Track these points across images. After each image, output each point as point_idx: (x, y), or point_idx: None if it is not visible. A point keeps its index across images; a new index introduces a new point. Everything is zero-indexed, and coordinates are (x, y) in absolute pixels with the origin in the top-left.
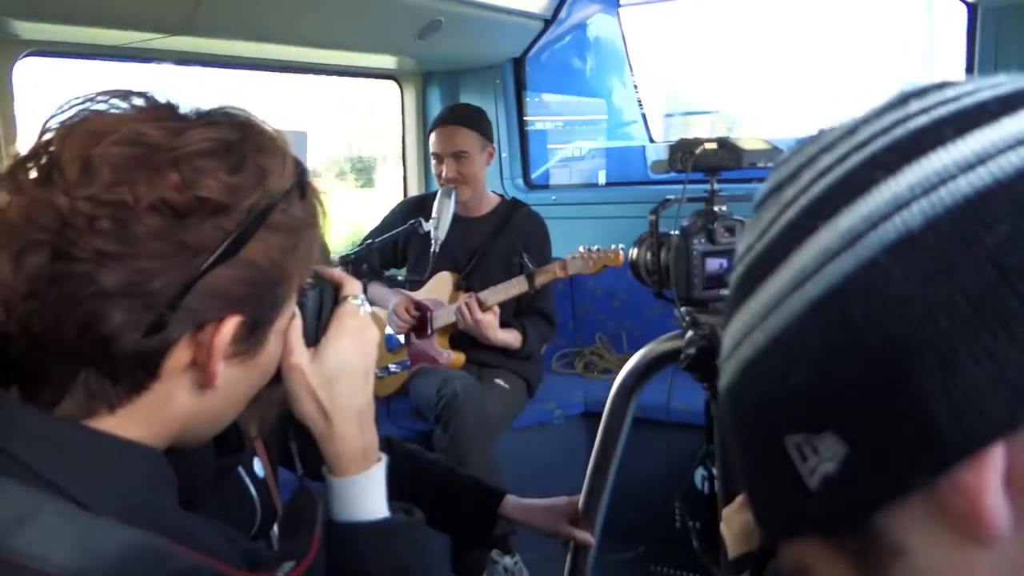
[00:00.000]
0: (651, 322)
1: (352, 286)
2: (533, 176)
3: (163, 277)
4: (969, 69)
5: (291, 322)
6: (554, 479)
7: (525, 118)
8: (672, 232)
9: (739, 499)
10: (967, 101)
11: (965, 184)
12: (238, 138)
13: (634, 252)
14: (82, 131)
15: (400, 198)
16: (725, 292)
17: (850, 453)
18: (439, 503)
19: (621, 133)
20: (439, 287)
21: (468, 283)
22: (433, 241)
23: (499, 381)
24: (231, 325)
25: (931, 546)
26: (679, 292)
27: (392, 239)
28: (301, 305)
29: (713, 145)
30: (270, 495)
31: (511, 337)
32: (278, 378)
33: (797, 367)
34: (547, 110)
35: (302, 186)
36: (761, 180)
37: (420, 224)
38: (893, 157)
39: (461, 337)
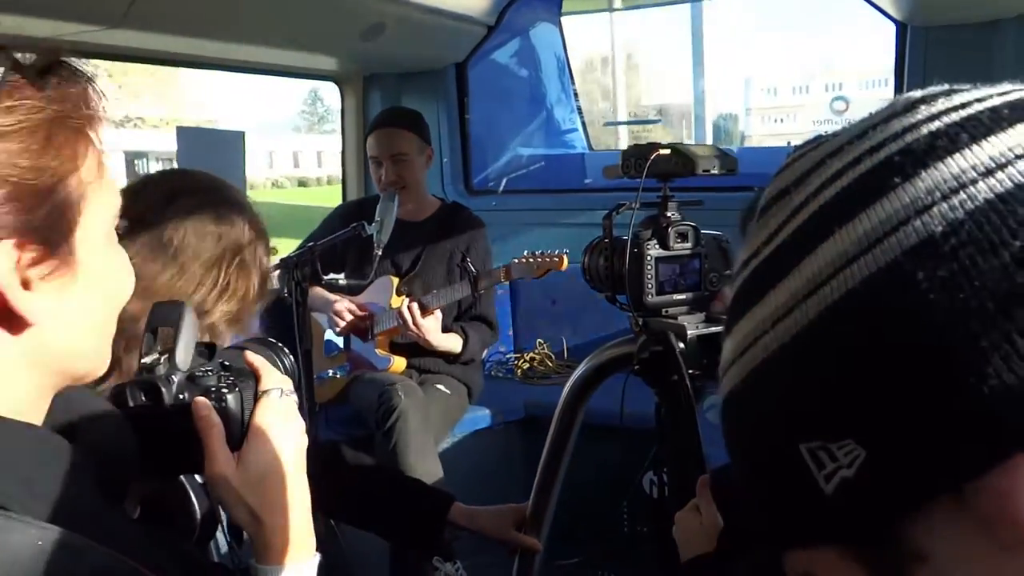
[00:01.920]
0: (592, 327)
1: (271, 378)
2: (474, 181)
3: None
4: (898, 86)
5: (210, 428)
6: (493, 485)
7: (467, 123)
8: (624, 237)
9: (692, 502)
10: (979, 107)
11: (985, 188)
12: None
13: (585, 258)
14: None
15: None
16: (678, 297)
17: (871, 458)
18: (386, 509)
19: (561, 140)
20: (380, 291)
21: (409, 287)
22: (376, 245)
23: (440, 387)
24: (6, 251)
25: (957, 552)
26: (632, 297)
27: (332, 243)
28: (222, 411)
29: (667, 152)
30: (211, 500)
31: (452, 342)
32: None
33: (814, 373)
34: (488, 116)
35: (35, 74)
36: (711, 188)
37: (363, 227)
38: (909, 161)
39: (402, 342)
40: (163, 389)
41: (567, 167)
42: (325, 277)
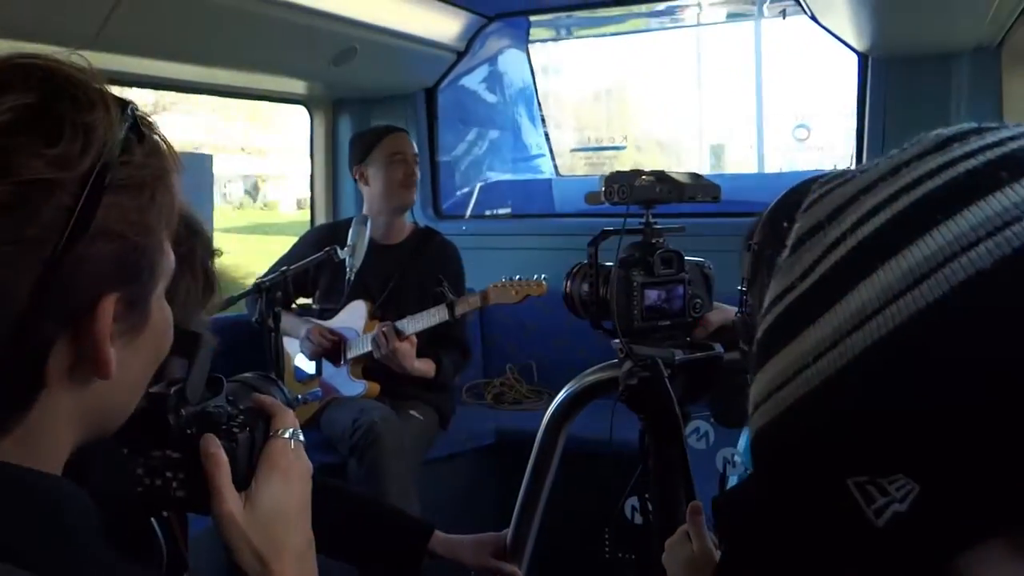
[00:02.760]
0: (562, 353)
1: (283, 419)
2: (444, 206)
3: (15, 284)
4: (860, 115)
5: (218, 466)
6: (464, 511)
7: (436, 148)
8: (607, 264)
9: (682, 529)
10: (1013, 146)
11: None
12: (41, 98)
13: (567, 284)
14: None
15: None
16: (663, 323)
17: (926, 493)
18: (365, 539)
19: (528, 166)
20: (353, 316)
21: (383, 312)
22: (348, 269)
23: (413, 412)
24: (108, 306)
25: None
26: (619, 324)
27: (304, 267)
28: (231, 450)
29: (651, 178)
30: (174, 536)
31: (426, 367)
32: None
33: (862, 408)
34: (457, 141)
35: (138, 129)
36: (693, 215)
37: (336, 252)
38: (950, 199)
39: (375, 367)
40: (171, 422)
41: (535, 192)
42: (298, 301)
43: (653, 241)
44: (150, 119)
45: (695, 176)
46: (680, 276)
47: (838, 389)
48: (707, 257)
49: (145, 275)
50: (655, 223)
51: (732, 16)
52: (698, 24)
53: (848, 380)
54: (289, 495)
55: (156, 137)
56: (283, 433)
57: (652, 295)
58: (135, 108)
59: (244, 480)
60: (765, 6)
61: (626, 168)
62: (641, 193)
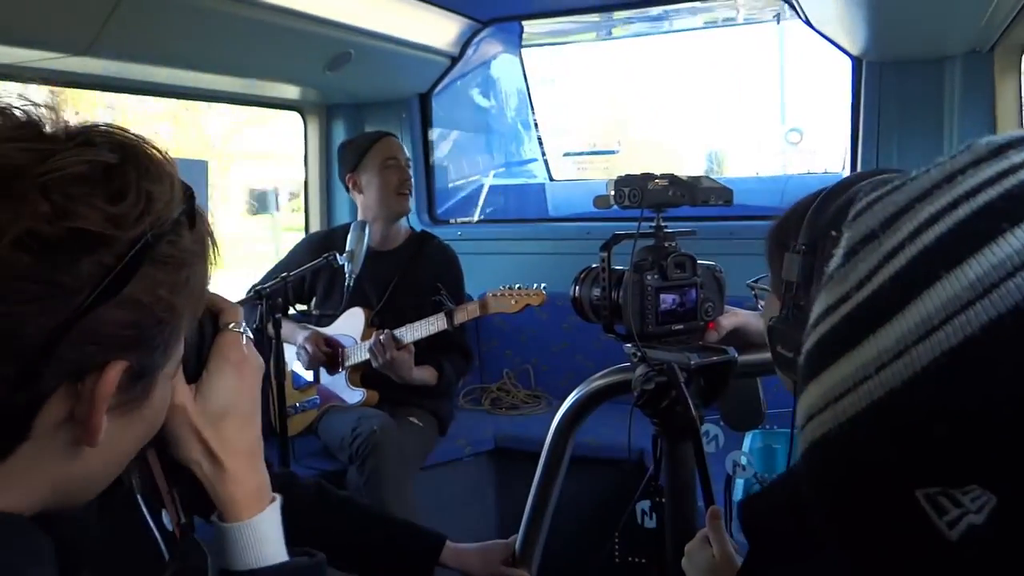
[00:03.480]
0: (559, 357)
1: (232, 312)
2: (438, 212)
3: (33, 323)
4: (854, 118)
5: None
6: (464, 517)
7: (431, 153)
8: (616, 267)
9: (701, 533)
10: None
11: None
12: (118, 160)
13: (576, 288)
14: None
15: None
16: (676, 327)
17: (1004, 504)
18: (377, 551)
19: (522, 171)
20: (351, 323)
21: (381, 319)
22: (348, 275)
23: (412, 419)
24: (115, 373)
25: None
26: (633, 328)
27: (302, 274)
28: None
29: (664, 182)
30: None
31: (427, 375)
32: None
33: (932, 419)
34: (450, 146)
35: (191, 215)
36: (699, 218)
37: (335, 258)
38: (1013, 207)
39: (374, 375)
40: None
41: (529, 197)
42: (297, 308)
43: (666, 245)
44: (204, 212)
45: (707, 179)
46: (693, 280)
47: (905, 400)
48: (713, 260)
49: (158, 352)
50: (666, 227)
51: (710, 23)
52: (687, 29)
53: (916, 391)
54: (242, 390)
55: (205, 229)
56: (234, 327)
57: (667, 299)
58: (194, 195)
59: (194, 373)
60: (742, 11)
61: (617, 172)
62: (653, 197)
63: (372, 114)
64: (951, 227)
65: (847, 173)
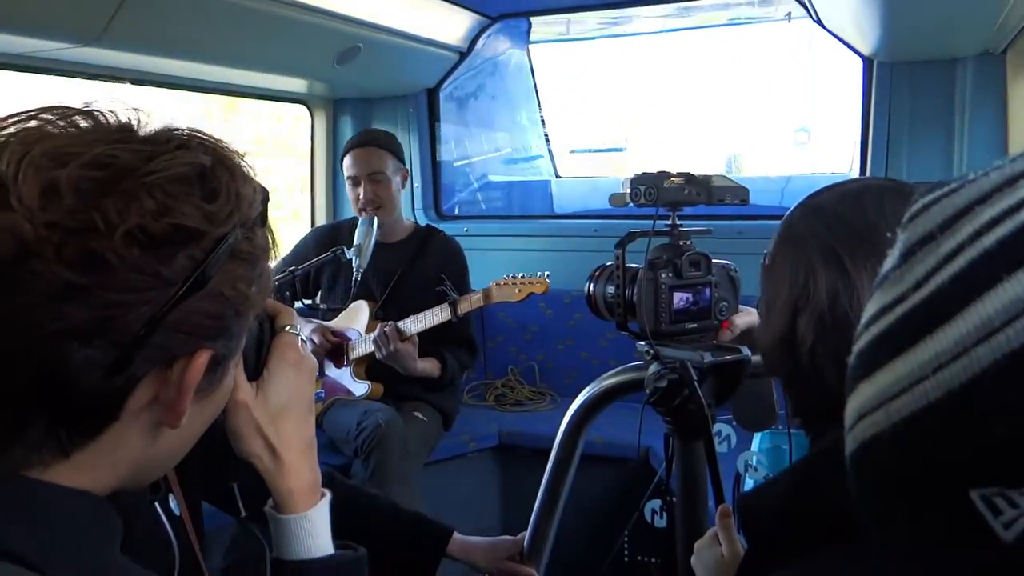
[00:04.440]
0: (564, 355)
1: (288, 316)
2: (444, 207)
3: (134, 311)
4: (864, 119)
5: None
6: (468, 513)
7: (437, 149)
8: (631, 265)
9: (711, 532)
10: None
11: None
12: (211, 163)
13: (590, 286)
14: (41, 153)
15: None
16: (690, 326)
17: None
18: (384, 542)
19: (528, 167)
20: (355, 316)
21: (385, 312)
22: (355, 270)
23: (418, 414)
24: (203, 360)
25: None
26: (647, 326)
27: (308, 268)
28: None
29: (680, 180)
30: (187, 534)
31: (430, 366)
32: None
33: (991, 421)
34: (457, 142)
35: (265, 214)
36: (713, 216)
37: (343, 252)
38: None
39: (378, 367)
40: None
41: (534, 193)
42: (305, 302)
43: (680, 243)
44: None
45: (723, 178)
46: (707, 279)
47: (963, 401)
48: (727, 259)
49: (234, 341)
50: (681, 225)
51: (719, 22)
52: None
53: (975, 393)
54: (299, 388)
55: (269, 229)
56: (290, 329)
57: (680, 298)
58: (268, 196)
59: (255, 370)
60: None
61: (626, 170)
62: (669, 195)
63: (379, 109)
64: (1012, 230)
65: (855, 173)
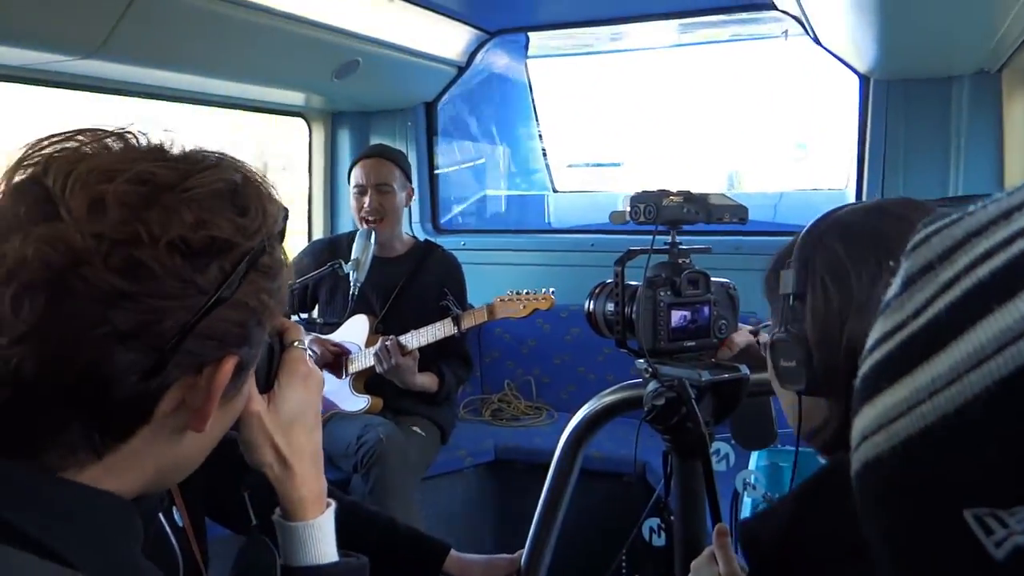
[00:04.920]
0: (561, 370)
1: (296, 331)
2: (441, 221)
3: (172, 317)
4: (861, 135)
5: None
6: (463, 528)
7: (435, 163)
8: (630, 283)
9: (708, 551)
10: None
11: None
12: (242, 180)
13: (590, 303)
14: (87, 169)
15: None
16: (689, 344)
17: None
18: (381, 557)
19: (526, 181)
20: (355, 330)
21: (386, 326)
22: (353, 284)
23: (416, 429)
24: (230, 366)
25: None
26: (645, 343)
27: (306, 282)
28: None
29: (679, 198)
30: (190, 545)
31: (429, 381)
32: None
33: (981, 443)
34: (454, 156)
35: (283, 231)
36: (712, 233)
37: (340, 266)
38: None
39: (377, 381)
40: None
41: (531, 207)
42: (302, 316)
43: (679, 261)
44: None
45: (722, 196)
46: (706, 297)
47: (957, 425)
48: (726, 277)
49: (255, 349)
50: (680, 243)
51: (717, 39)
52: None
53: (966, 417)
54: (308, 401)
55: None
56: (298, 344)
57: (678, 316)
58: (288, 214)
59: (265, 383)
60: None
61: (623, 186)
62: (669, 213)
63: (378, 122)
64: (1006, 262)
65: (851, 190)
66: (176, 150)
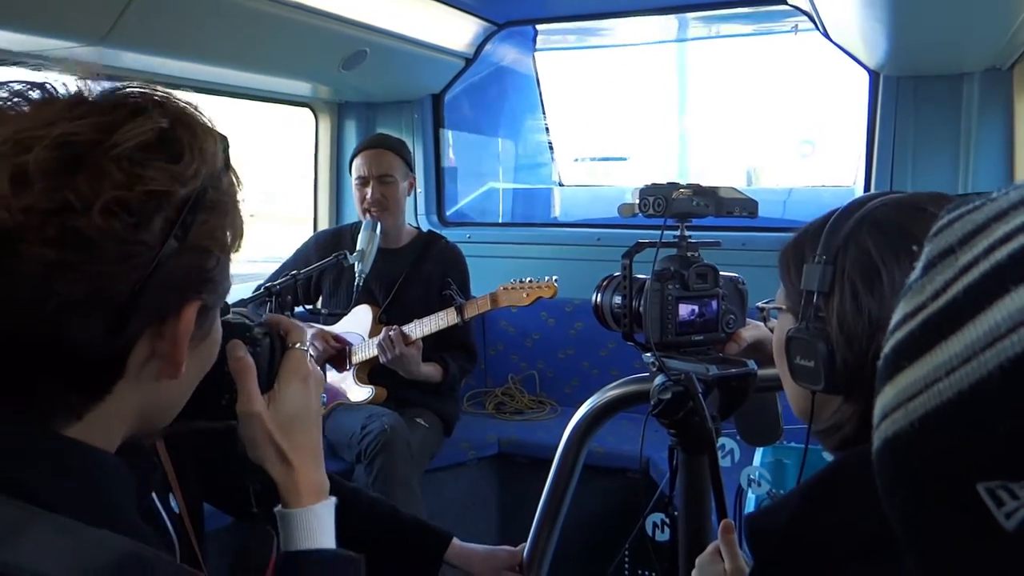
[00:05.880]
0: (564, 364)
1: (298, 333)
2: (447, 213)
3: (121, 278)
4: (870, 132)
5: (247, 369)
6: (465, 521)
7: (441, 154)
8: (638, 276)
9: (713, 546)
10: None
11: None
12: (170, 124)
13: (597, 296)
14: (2, 139)
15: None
16: (696, 338)
17: None
18: (383, 544)
19: (532, 175)
20: (358, 321)
21: (388, 316)
22: (358, 274)
23: (420, 420)
24: (191, 311)
25: None
26: (652, 337)
27: (310, 273)
28: (255, 354)
29: (688, 191)
30: (186, 532)
31: (433, 371)
32: (233, 418)
33: (994, 418)
34: (461, 148)
35: (228, 162)
36: (721, 228)
37: (345, 257)
38: None
39: (382, 372)
40: None
41: (537, 201)
42: (306, 306)
43: (688, 255)
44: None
45: (731, 190)
46: (714, 291)
47: (971, 401)
48: (733, 271)
49: (220, 288)
50: (689, 236)
51: (726, 33)
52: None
53: (982, 393)
54: (308, 400)
55: (233, 171)
56: (300, 346)
57: (686, 309)
58: (229, 143)
59: (267, 383)
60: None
61: (629, 181)
62: (678, 206)
63: (384, 113)
64: (1021, 246)
65: (859, 186)
66: (96, 94)
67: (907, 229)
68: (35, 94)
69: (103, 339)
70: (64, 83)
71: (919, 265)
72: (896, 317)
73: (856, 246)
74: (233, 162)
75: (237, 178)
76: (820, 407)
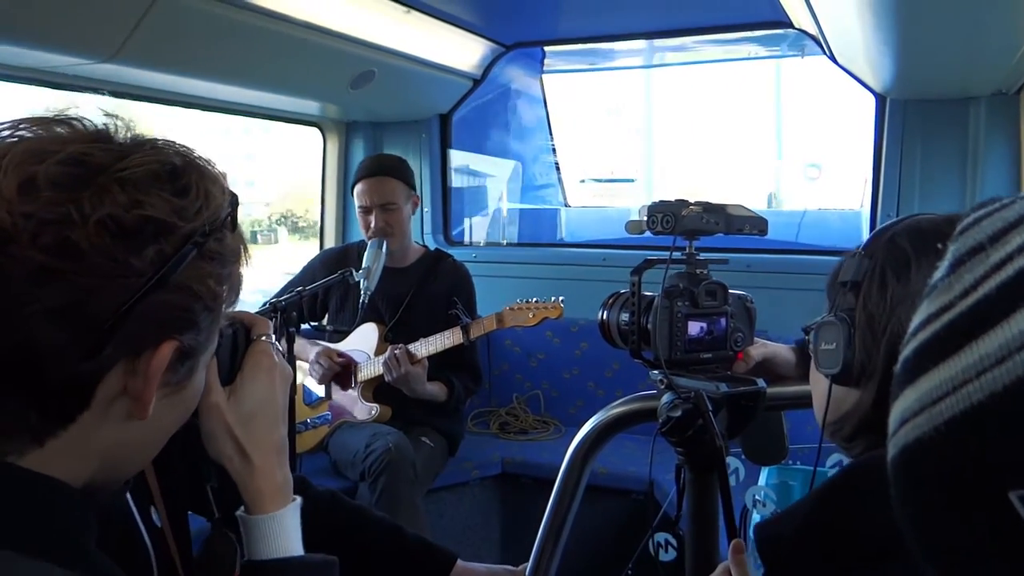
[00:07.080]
0: (569, 384)
1: (263, 326)
2: (453, 233)
3: (105, 297)
4: (876, 155)
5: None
6: (469, 541)
7: (448, 174)
8: (646, 293)
9: (723, 566)
10: None
11: None
12: (182, 163)
13: (604, 313)
14: (21, 151)
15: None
16: (705, 356)
17: None
18: (388, 563)
19: (538, 195)
20: (364, 339)
21: (395, 334)
22: (363, 292)
23: (425, 439)
24: (167, 350)
25: None
26: (661, 354)
27: (316, 290)
28: (216, 346)
29: (697, 208)
30: (167, 547)
31: (438, 390)
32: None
33: None
34: (468, 168)
35: (235, 218)
36: (733, 250)
37: (351, 274)
38: None
39: (387, 390)
40: None
41: (544, 221)
42: (312, 323)
43: (697, 272)
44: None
45: (740, 207)
46: (723, 308)
47: (1005, 404)
48: (743, 290)
49: (203, 336)
50: (697, 254)
51: (733, 57)
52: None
53: (1016, 395)
54: (271, 394)
55: (240, 235)
56: (265, 338)
57: (695, 327)
58: (238, 200)
59: (228, 376)
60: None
61: (635, 202)
62: (687, 223)
63: (392, 133)
64: None
65: (866, 210)
66: (121, 136)
67: (944, 232)
68: (60, 128)
69: (75, 358)
70: (92, 121)
71: (944, 263)
72: (919, 317)
73: (894, 243)
74: (239, 226)
75: (244, 243)
76: (837, 401)
